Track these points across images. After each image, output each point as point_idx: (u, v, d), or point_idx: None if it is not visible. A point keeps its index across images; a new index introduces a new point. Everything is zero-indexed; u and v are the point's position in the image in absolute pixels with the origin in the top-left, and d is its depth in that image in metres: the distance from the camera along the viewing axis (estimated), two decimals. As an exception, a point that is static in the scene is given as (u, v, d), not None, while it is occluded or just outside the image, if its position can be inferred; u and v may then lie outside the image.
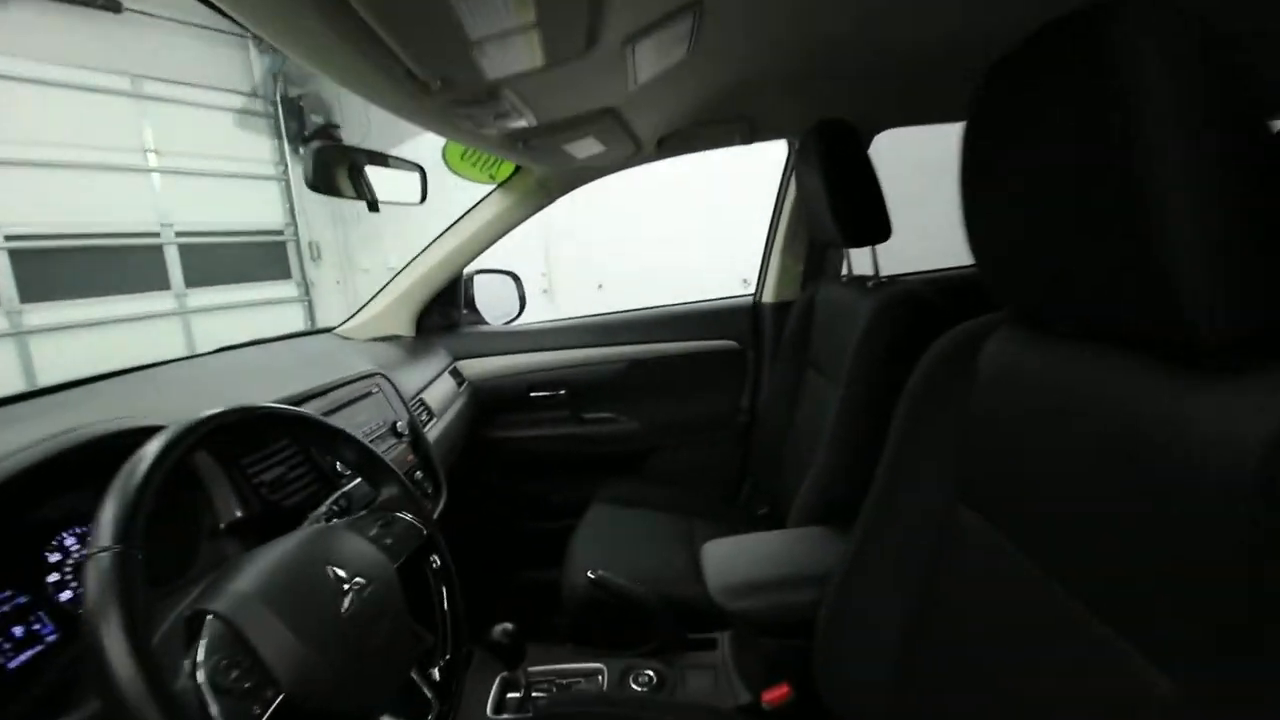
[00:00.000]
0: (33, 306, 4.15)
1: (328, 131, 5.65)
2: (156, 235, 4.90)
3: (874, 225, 1.13)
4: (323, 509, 0.81)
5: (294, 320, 5.98)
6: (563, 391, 1.85)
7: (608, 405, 1.88)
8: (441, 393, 1.55)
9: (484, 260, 1.82)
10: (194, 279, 5.13)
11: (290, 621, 0.55)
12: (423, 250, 1.72)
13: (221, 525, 0.80)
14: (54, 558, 0.70)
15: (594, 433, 1.85)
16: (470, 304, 1.97)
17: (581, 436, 1.84)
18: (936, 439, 0.65)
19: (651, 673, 1.14)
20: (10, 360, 4.02)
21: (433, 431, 1.36)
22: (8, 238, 4.03)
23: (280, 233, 6.01)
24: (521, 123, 0.92)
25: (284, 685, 0.52)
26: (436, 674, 0.70)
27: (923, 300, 1.05)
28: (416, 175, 1.54)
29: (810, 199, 1.22)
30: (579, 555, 1.34)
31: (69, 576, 0.70)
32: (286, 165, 5.87)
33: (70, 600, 0.69)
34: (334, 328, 1.77)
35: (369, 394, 1.14)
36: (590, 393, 1.86)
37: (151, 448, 0.51)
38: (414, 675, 0.67)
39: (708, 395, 1.85)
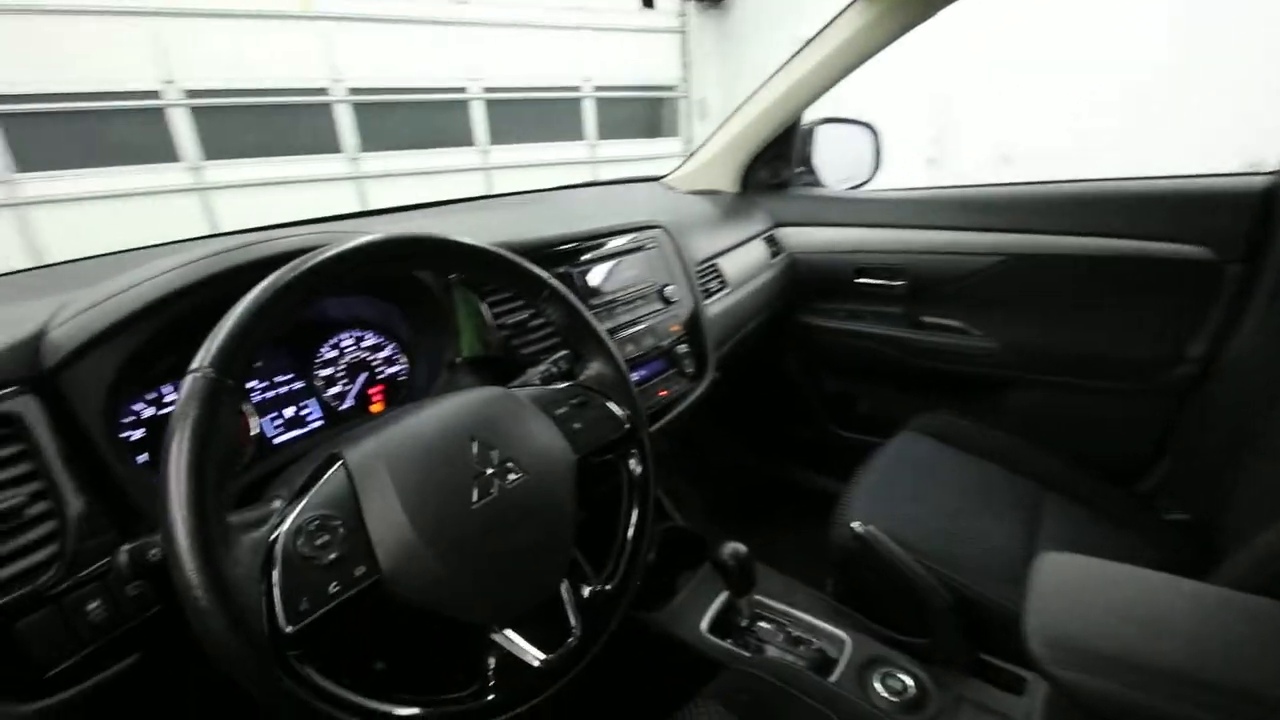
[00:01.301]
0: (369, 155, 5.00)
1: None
2: (577, 89, 5.63)
3: None
4: (541, 367, 0.72)
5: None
6: (900, 283, 1.45)
7: (958, 310, 1.41)
8: (745, 260, 1.35)
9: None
10: (571, 134, 5.81)
11: (404, 497, 0.46)
12: (755, 90, 1.44)
13: (458, 359, 0.79)
14: (329, 354, 0.77)
15: (932, 342, 1.42)
16: (807, 161, 1.64)
17: (914, 344, 1.44)
18: None
19: (909, 680, 0.84)
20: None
21: (719, 302, 1.18)
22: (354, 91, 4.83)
23: (672, 88, 6.28)
24: None
25: (382, 567, 0.44)
26: (587, 593, 0.57)
27: None
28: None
29: None
30: (859, 493, 1.06)
31: (340, 374, 0.77)
32: (686, 17, 5.95)
33: (334, 396, 0.76)
34: (663, 176, 1.69)
35: (640, 248, 1.00)
36: (937, 290, 1.41)
37: (274, 277, 0.44)
38: (562, 590, 0.55)
39: (1129, 323, 1.22)
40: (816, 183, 1.66)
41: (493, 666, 0.49)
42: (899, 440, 1.24)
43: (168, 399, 0.63)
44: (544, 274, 0.63)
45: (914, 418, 1.31)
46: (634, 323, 0.94)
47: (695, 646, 0.90)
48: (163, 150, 4.23)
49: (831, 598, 1.03)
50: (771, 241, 1.49)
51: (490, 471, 0.51)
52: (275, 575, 0.40)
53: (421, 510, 0.47)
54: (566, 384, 0.66)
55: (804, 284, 1.55)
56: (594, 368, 0.67)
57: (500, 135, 5.35)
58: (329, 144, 4.74)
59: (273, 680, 0.38)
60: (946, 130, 4.18)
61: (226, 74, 4.28)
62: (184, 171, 4.27)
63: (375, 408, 0.79)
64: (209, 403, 0.40)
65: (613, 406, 0.65)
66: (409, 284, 0.77)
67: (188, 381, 0.40)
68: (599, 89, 5.69)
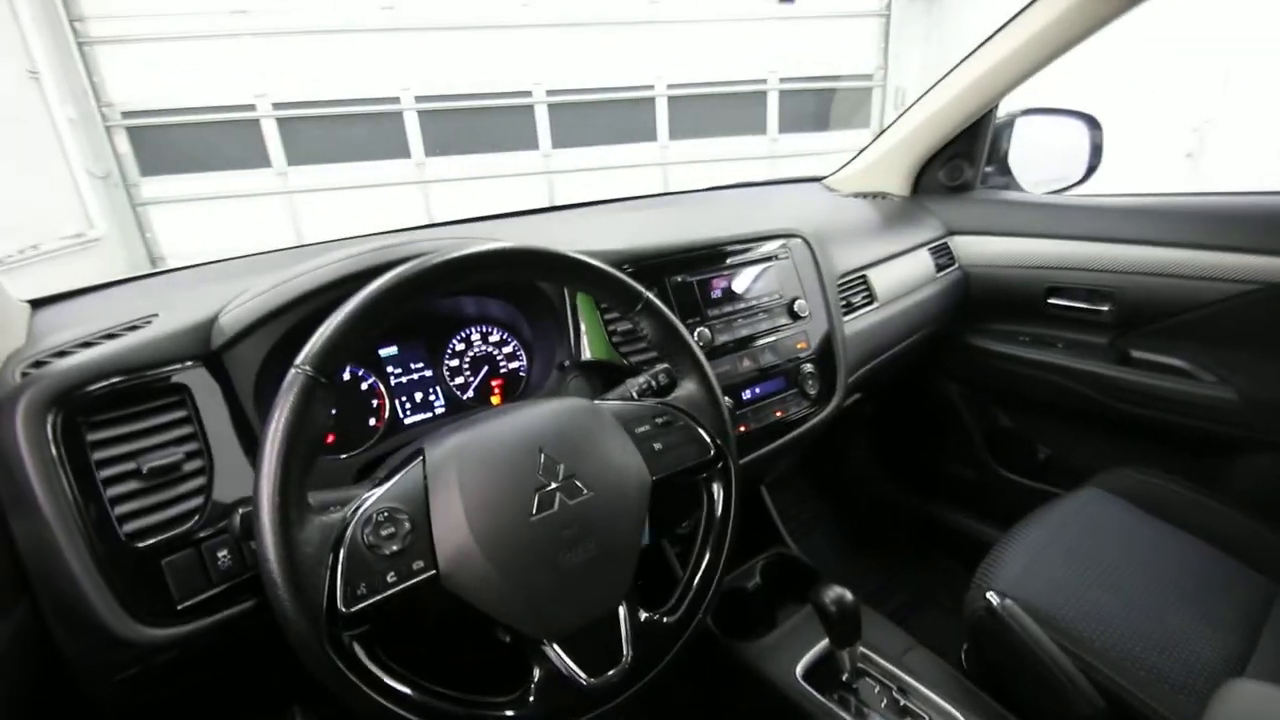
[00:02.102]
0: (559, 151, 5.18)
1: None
2: (763, 81, 5.50)
3: None
4: (641, 378, 0.71)
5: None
6: (1106, 307, 1.20)
7: (1184, 348, 1.14)
8: (904, 273, 1.21)
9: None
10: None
11: (466, 500, 0.48)
12: (940, 78, 1.28)
13: (566, 362, 0.81)
14: (459, 346, 0.83)
15: (1142, 384, 1.16)
16: (1001, 159, 1.43)
17: (1116, 383, 1.19)
18: None
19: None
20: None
21: (863, 318, 1.08)
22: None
23: (869, 77, 5.86)
24: None
25: (440, 566, 0.47)
26: (644, 619, 0.55)
27: None
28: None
29: None
30: (1012, 553, 0.91)
31: (465, 366, 0.83)
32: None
33: (458, 386, 0.82)
34: (825, 177, 1.58)
35: (771, 259, 0.94)
36: (1156, 320, 1.15)
37: (379, 282, 0.48)
38: (620, 614, 0.54)
39: None
40: (1010, 186, 1.44)
41: (536, 679, 0.50)
42: (1080, 496, 1.04)
43: None
44: (636, 286, 0.62)
45: (1104, 471, 1.09)
46: (754, 338, 0.89)
47: (785, 692, 0.84)
48: (397, 147, 4.96)
49: (963, 671, 0.89)
50: (942, 252, 1.32)
51: (554, 486, 0.52)
52: (341, 557, 0.44)
53: (480, 515, 0.48)
54: (655, 401, 0.64)
55: (978, 302, 1.36)
56: (686, 387, 0.65)
57: (680, 131, 5.43)
58: (529, 141, 5.17)
59: (321, 652, 0.42)
60: (1216, 119, 3.35)
61: (450, 81, 4.87)
62: (413, 166, 4.96)
63: (494, 399, 0.85)
64: (303, 397, 0.45)
65: (700, 430, 0.62)
66: (528, 286, 0.80)
67: (289, 376, 0.45)
68: (784, 80, 5.50)
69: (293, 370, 0.45)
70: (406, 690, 0.44)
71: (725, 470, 0.63)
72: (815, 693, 0.83)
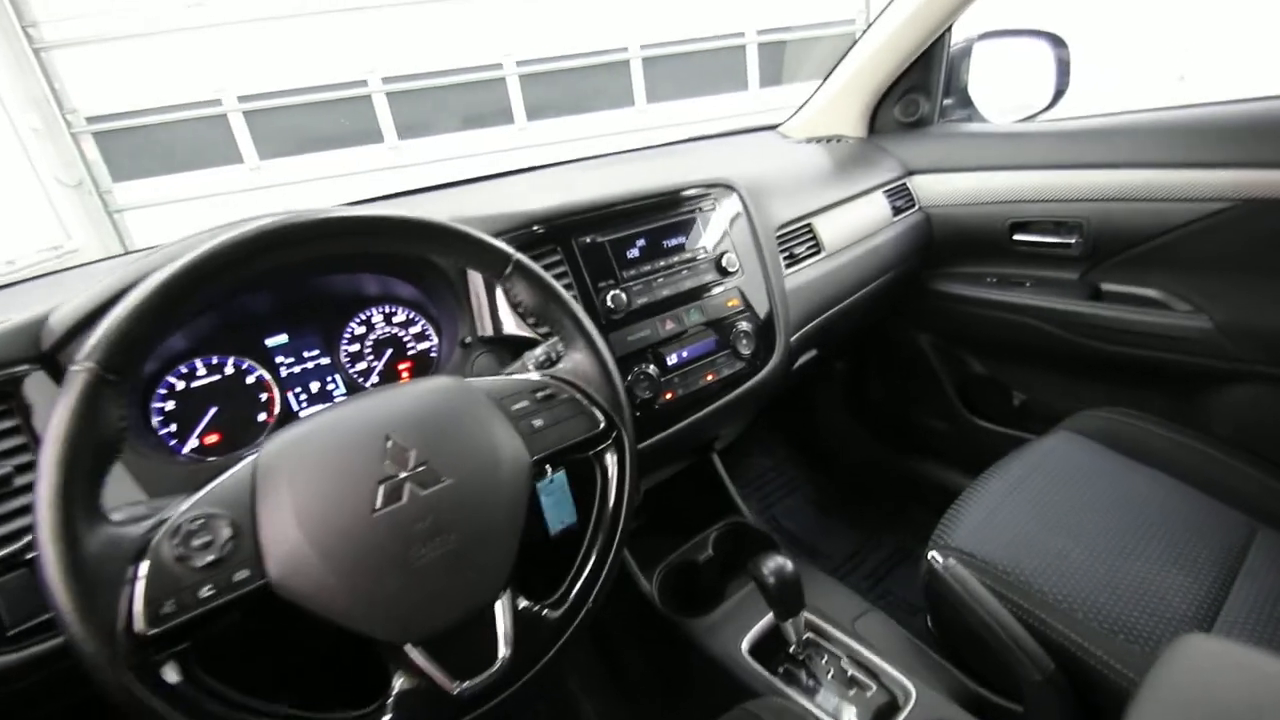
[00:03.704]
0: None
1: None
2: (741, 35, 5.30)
3: None
4: (538, 350, 0.66)
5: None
6: (1073, 240, 1.13)
7: (1156, 276, 1.07)
8: (855, 219, 1.14)
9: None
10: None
11: (295, 500, 0.44)
12: (881, 11, 1.18)
13: (468, 338, 0.75)
14: (358, 330, 0.78)
15: (1115, 318, 1.09)
16: (961, 90, 1.34)
17: (1089, 320, 1.12)
18: None
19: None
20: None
21: (807, 269, 1.01)
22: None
23: (851, 21, 5.64)
24: None
25: (270, 574, 0.42)
26: (523, 612, 0.50)
27: None
28: None
29: None
30: (970, 508, 0.85)
31: (367, 350, 0.78)
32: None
33: (359, 372, 0.77)
34: (780, 124, 1.50)
35: (696, 212, 0.87)
36: (1126, 249, 1.08)
37: (164, 272, 0.43)
38: (498, 609, 0.50)
39: None
40: (973, 118, 1.35)
41: (395, 688, 0.45)
42: (1049, 440, 0.98)
43: (200, 373, 0.68)
44: (503, 247, 0.56)
45: (1075, 414, 1.03)
46: (678, 298, 0.83)
47: (731, 668, 0.80)
48: (369, 132, 4.86)
49: (929, 634, 0.85)
50: (900, 194, 1.25)
51: (403, 475, 0.47)
52: (142, 573, 0.40)
53: (313, 514, 0.44)
54: (537, 374, 0.58)
55: (942, 245, 1.28)
56: (572, 356, 0.59)
57: (659, 94, 5.26)
58: (504, 115, 5.05)
59: (115, 678, 0.37)
60: (1213, 37, 3.15)
61: (418, 60, 4.76)
62: (387, 150, 4.87)
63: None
64: (85, 396, 0.40)
65: (588, 402, 0.57)
66: (420, 259, 0.74)
67: (67, 374, 0.40)
68: (762, 32, 5.31)
69: (70, 368, 0.40)
70: (232, 713, 0.40)
71: (619, 443, 0.57)
72: (761, 669, 0.79)
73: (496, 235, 0.73)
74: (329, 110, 4.78)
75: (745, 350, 0.86)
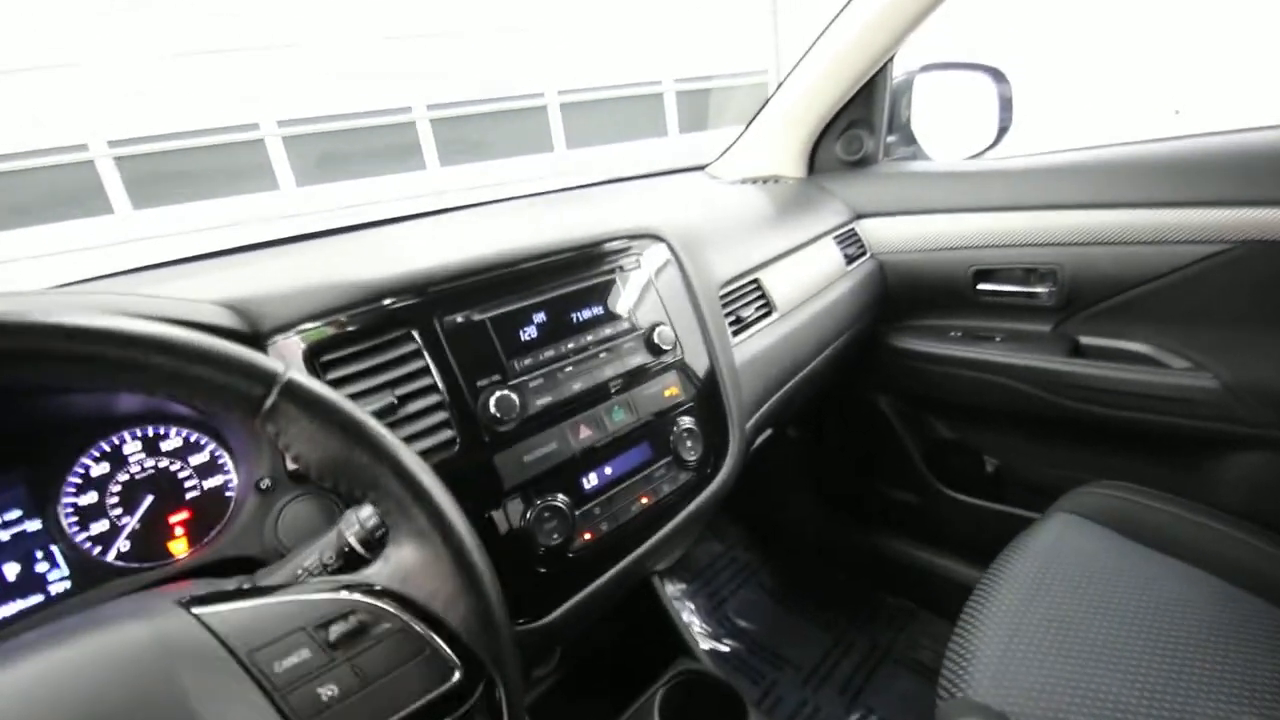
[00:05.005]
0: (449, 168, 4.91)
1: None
2: (658, 83, 5.32)
3: None
4: (367, 512, 0.40)
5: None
6: (1045, 289, 1.00)
7: (1144, 329, 0.94)
8: (809, 270, 0.96)
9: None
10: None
11: None
12: (816, 39, 1.04)
13: (266, 480, 0.49)
14: (96, 469, 0.50)
15: (1098, 376, 0.95)
16: (904, 126, 1.21)
17: (1068, 379, 0.97)
18: None
19: None
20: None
21: (757, 338, 0.81)
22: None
23: (765, 72, 5.80)
24: None
25: None
26: None
27: None
28: None
29: None
30: (977, 640, 0.66)
31: (112, 499, 0.50)
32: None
33: (93, 539, 0.49)
34: (709, 164, 1.33)
35: (615, 272, 0.65)
36: (1104, 296, 0.95)
37: None
38: None
39: None
40: (918, 156, 1.22)
41: None
42: (1048, 528, 0.81)
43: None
44: (258, 360, 0.31)
45: (1071, 491, 0.87)
46: (593, 394, 0.60)
47: None
48: (263, 178, 4.45)
49: None
50: (850, 240, 1.09)
51: None
52: None
53: None
54: (333, 590, 0.33)
55: (899, 296, 1.13)
56: (401, 548, 0.34)
57: (577, 139, 5.17)
58: (415, 161, 4.78)
59: None
60: (1217, 66, 2.71)
61: (318, 101, 4.44)
62: (283, 197, 4.47)
63: (178, 547, 0.52)
64: None
65: (432, 634, 0.32)
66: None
67: None
68: (679, 81, 5.35)
69: None
70: None
71: (490, 705, 0.33)
72: None
73: (294, 323, 0.48)
74: (213, 155, 4.35)
75: (691, 455, 0.64)
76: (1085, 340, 1.00)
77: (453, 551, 0.32)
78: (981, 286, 1.06)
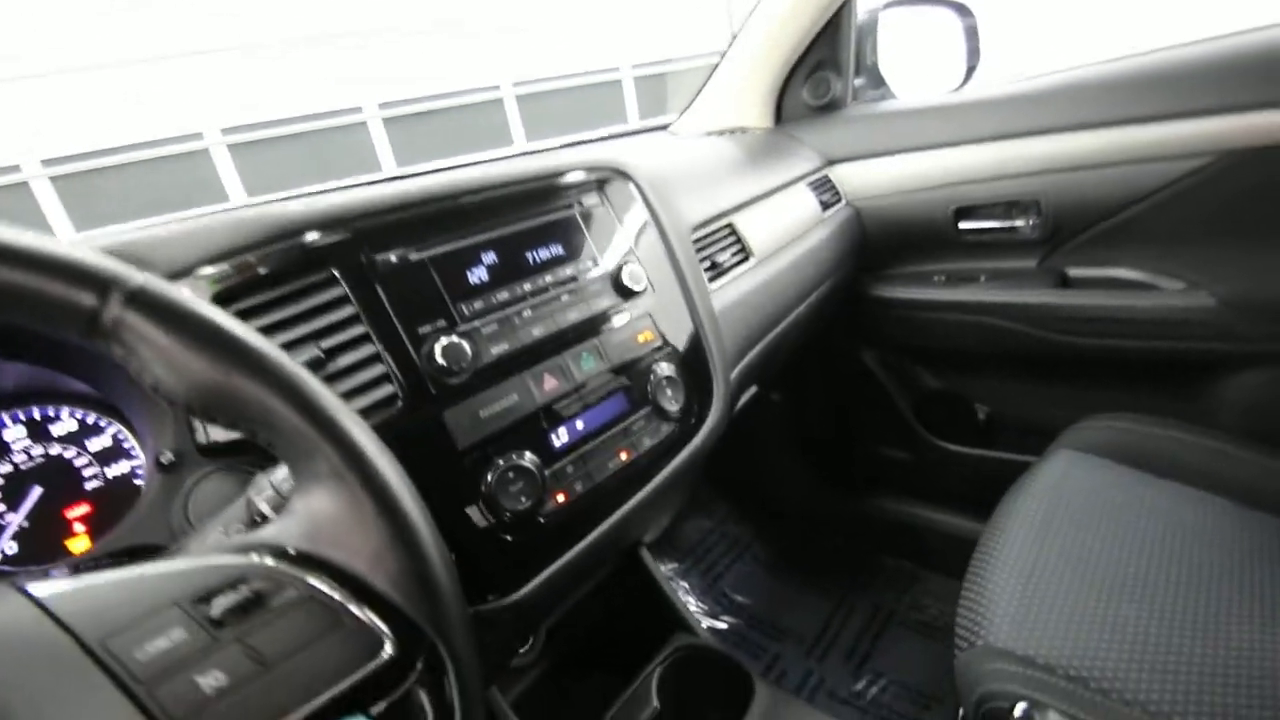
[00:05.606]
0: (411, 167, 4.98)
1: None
2: (616, 70, 5.23)
3: None
4: (281, 473, 0.33)
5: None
6: (1029, 222, 0.96)
7: (1134, 254, 0.91)
8: (786, 215, 0.91)
9: None
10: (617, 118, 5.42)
11: None
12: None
13: (168, 455, 0.42)
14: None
15: (1091, 307, 0.92)
16: (871, 67, 1.17)
17: (1059, 312, 0.93)
18: None
19: None
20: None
21: (735, 284, 0.75)
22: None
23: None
24: None
25: None
26: None
27: None
28: None
29: None
30: (991, 580, 0.62)
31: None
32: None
33: None
34: (671, 123, 1.26)
35: (573, 207, 0.58)
36: (1094, 225, 0.91)
37: None
38: None
39: None
40: (886, 98, 1.18)
41: None
42: (1053, 465, 0.77)
43: None
44: (91, 261, 0.24)
45: (1069, 428, 0.83)
46: (557, 339, 0.53)
47: None
48: (211, 193, 4.28)
49: None
50: (824, 187, 1.03)
51: None
52: None
53: None
54: (224, 549, 0.26)
55: (878, 243, 1.08)
56: (310, 498, 0.27)
57: (535, 131, 5.07)
58: (369, 163, 4.64)
59: None
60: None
61: (263, 107, 4.28)
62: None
63: (77, 544, 0.44)
64: None
65: (349, 603, 0.26)
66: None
67: None
68: (636, 66, 5.28)
69: None
70: None
71: (435, 675, 0.26)
72: None
73: (190, 267, 0.41)
74: (156, 169, 4.16)
75: (672, 405, 0.58)
76: (1074, 272, 0.96)
77: (374, 495, 0.26)
78: (963, 225, 1.01)
